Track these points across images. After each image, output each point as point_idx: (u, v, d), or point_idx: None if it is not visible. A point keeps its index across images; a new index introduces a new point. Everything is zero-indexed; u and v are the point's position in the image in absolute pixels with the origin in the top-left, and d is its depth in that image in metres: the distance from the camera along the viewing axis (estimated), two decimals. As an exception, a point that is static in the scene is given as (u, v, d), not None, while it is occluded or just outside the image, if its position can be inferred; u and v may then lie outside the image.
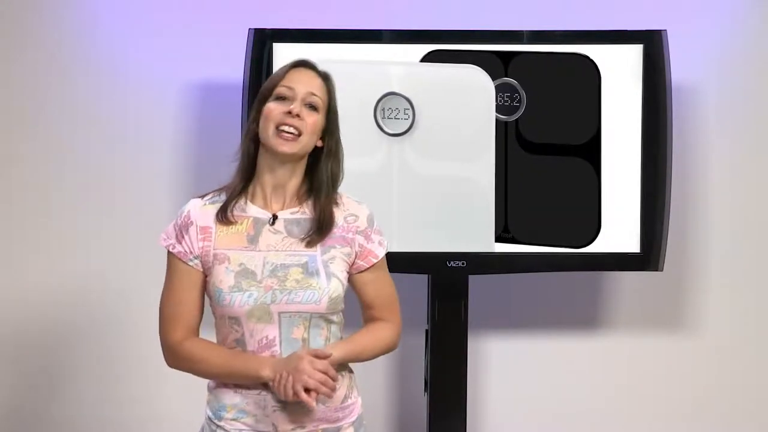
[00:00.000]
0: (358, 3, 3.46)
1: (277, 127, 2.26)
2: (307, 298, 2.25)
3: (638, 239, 3.24)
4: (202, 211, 2.31)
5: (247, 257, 2.27)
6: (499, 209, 3.23)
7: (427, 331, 3.30)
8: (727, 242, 3.59)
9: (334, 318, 2.32)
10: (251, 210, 2.31)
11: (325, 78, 2.34)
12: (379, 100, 3.18)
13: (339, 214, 2.34)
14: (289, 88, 2.29)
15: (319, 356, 2.21)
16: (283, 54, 3.15)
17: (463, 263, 3.22)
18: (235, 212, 2.30)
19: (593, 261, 3.28)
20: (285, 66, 2.35)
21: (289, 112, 2.26)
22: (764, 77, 3.57)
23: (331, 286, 2.27)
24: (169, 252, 2.31)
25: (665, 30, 3.21)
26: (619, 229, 3.24)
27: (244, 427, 2.27)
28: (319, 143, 2.33)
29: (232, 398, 2.28)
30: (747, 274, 3.62)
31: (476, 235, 3.22)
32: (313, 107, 2.29)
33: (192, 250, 2.29)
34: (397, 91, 3.18)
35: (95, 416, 3.52)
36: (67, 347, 3.52)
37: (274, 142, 2.26)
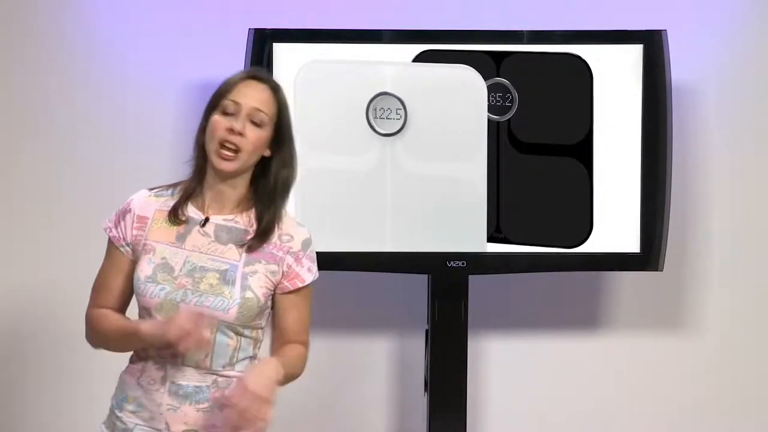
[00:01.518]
0: (358, 3, 3.46)
1: (219, 144, 2.27)
2: (216, 304, 2.25)
3: (638, 239, 3.24)
4: (145, 201, 2.35)
5: (170, 252, 2.30)
6: (491, 209, 3.22)
7: (427, 331, 3.30)
8: (727, 242, 3.59)
9: (246, 332, 2.30)
10: (188, 210, 2.33)
11: (275, 90, 2.33)
12: (371, 100, 3.18)
13: (275, 232, 2.33)
14: (236, 103, 2.28)
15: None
16: (283, 54, 3.15)
17: (463, 263, 3.22)
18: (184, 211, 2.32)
19: (593, 261, 3.28)
20: (237, 75, 2.35)
21: (231, 130, 2.26)
22: (764, 77, 3.56)
23: (243, 299, 2.26)
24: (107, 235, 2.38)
25: (665, 30, 3.21)
26: (618, 228, 3.24)
27: (139, 421, 2.28)
28: (267, 153, 2.32)
29: (134, 390, 2.29)
30: (747, 274, 3.62)
31: (469, 235, 3.22)
32: (257, 123, 2.29)
33: (124, 235, 2.35)
34: (389, 91, 3.18)
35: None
36: (65, 348, 3.51)
37: (214, 159, 2.28)
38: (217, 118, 2.29)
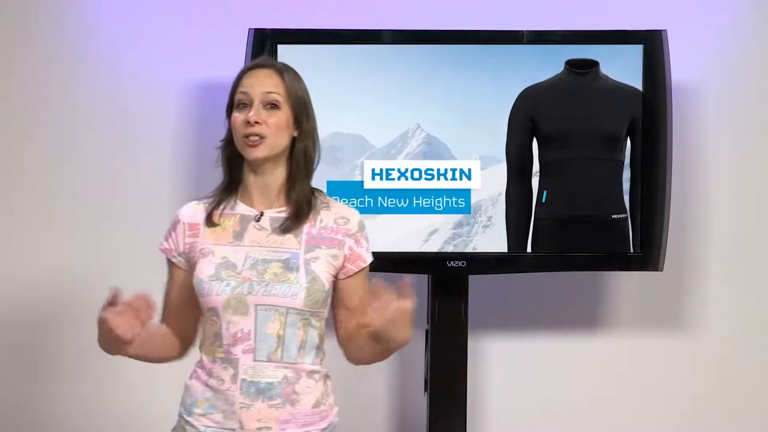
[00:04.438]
0: (358, 3, 3.46)
1: (242, 137, 2.30)
2: (284, 291, 2.27)
3: (638, 239, 3.24)
4: (194, 210, 2.38)
5: (230, 251, 2.31)
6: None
7: (427, 330, 3.30)
8: (727, 242, 3.59)
9: (313, 320, 2.32)
10: (239, 208, 2.36)
11: (281, 70, 2.36)
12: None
13: (329, 216, 2.36)
14: (245, 93, 2.32)
15: None
16: (283, 54, 3.15)
17: (463, 263, 3.22)
18: (225, 211, 2.35)
19: (593, 261, 3.28)
20: (241, 70, 2.38)
21: (248, 121, 2.29)
22: (764, 77, 3.57)
23: (309, 283, 2.28)
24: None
25: (665, 30, 3.22)
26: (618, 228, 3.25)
27: (211, 423, 2.29)
28: (295, 133, 2.35)
29: (203, 393, 2.30)
30: (747, 275, 3.62)
31: (473, 235, 3.23)
32: (273, 106, 2.31)
33: (177, 246, 2.37)
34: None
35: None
36: (65, 347, 3.52)
37: (244, 151, 2.32)
38: (235, 115, 2.33)
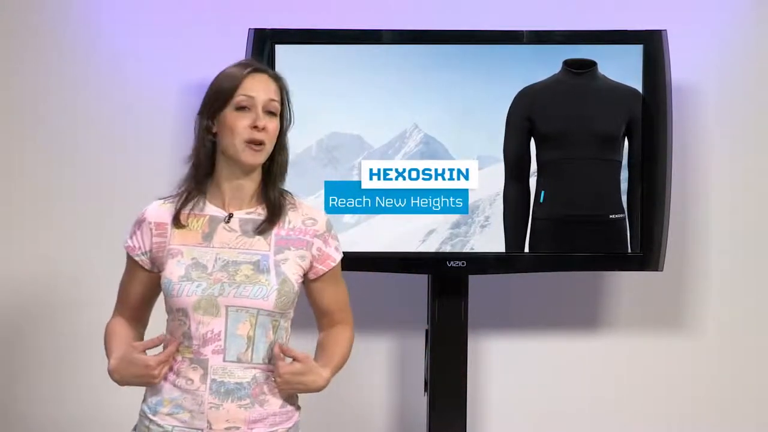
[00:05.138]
0: (358, 3, 3.46)
1: (246, 141, 2.29)
2: (255, 293, 2.28)
3: (638, 239, 3.24)
4: (160, 209, 2.38)
5: (200, 252, 2.32)
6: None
7: (427, 331, 3.30)
8: (726, 242, 3.59)
9: (282, 321, 2.33)
10: (208, 209, 2.35)
11: (279, 79, 2.37)
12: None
13: (297, 217, 2.37)
14: (249, 97, 2.30)
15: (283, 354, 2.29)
16: (283, 54, 3.16)
17: (463, 263, 3.22)
18: (194, 212, 2.35)
19: (593, 261, 3.28)
20: (236, 69, 2.35)
21: (256, 127, 2.28)
22: (764, 77, 3.56)
23: (280, 285, 2.29)
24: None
25: (665, 30, 3.22)
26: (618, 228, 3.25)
27: (178, 423, 2.29)
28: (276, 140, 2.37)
29: (170, 392, 2.30)
30: (747, 275, 3.62)
31: (474, 235, 3.23)
32: (272, 113, 2.32)
33: (141, 245, 2.37)
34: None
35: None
36: (63, 347, 3.52)
37: (245, 156, 2.30)
38: (233, 114, 2.30)
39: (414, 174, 3.21)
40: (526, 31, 3.22)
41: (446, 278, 3.26)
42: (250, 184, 2.35)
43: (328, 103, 3.19)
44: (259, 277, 2.29)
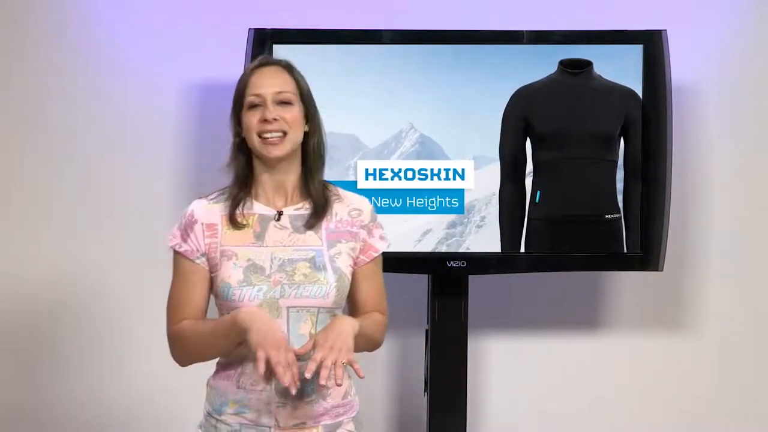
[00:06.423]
0: (358, 3, 3.46)
1: (259, 137, 2.29)
2: (315, 292, 2.27)
3: (638, 239, 3.24)
4: (207, 209, 2.33)
5: (254, 253, 2.29)
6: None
7: (427, 331, 3.30)
8: (726, 242, 3.59)
9: (338, 313, 2.33)
10: (256, 207, 2.33)
11: (288, 68, 2.36)
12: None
13: (343, 209, 2.37)
14: (257, 95, 2.30)
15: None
16: (282, 54, 3.15)
17: (463, 263, 3.22)
18: (243, 211, 2.32)
19: (593, 261, 3.28)
20: (247, 70, 2.36)
21: (265, 120, 2.28)
22: (764, 77, 3.56)
23: (338, 281, 2.29)
24: (175, 251, 2.32)
25: (665, 30, 3.22)
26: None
27: (245, 420, 2.28)
28: (306, 128, 2.35)
29: (235, 394, 2.28)
30: (747, 274, 3.62)
31: (470, 235, 3.23)
32: (286, 103, 2.31)
33: (198, 247, 2.30)
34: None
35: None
36: (63, 347, 3.52)
37: (263, 151, 2.29)
38: (247, 114, 2.30)
39: (410, 174, 3.21)
40: (525, 31, 3.22)
41: (446, 278, 3.26)
42: (288, 178, 2.33)
43: (323, 102, 3.17)
44: (317, 275, 2.28)
